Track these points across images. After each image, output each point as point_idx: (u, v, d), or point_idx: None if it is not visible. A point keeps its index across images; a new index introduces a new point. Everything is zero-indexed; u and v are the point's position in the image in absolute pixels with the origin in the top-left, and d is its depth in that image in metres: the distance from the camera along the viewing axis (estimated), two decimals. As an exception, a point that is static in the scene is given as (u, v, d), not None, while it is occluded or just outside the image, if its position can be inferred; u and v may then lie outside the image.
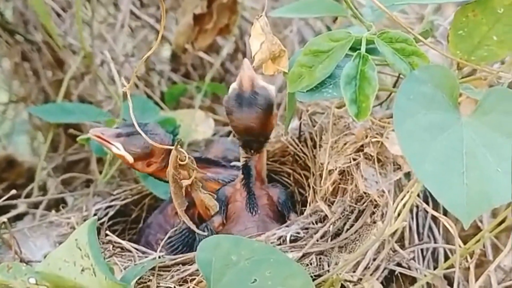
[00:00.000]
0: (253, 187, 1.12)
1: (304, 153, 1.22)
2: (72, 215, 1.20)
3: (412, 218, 1.13)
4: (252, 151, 1.12)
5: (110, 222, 1.26)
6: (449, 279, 1.06)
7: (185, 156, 0.99)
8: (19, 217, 1.35)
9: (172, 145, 1.04)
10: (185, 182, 1.02)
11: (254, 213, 1.10)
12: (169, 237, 1.09)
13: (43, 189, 1.60)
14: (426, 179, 0.81)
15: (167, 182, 1.07)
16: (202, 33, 1.54)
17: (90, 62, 1.52)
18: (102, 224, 1.23)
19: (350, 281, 0.98)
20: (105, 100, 1.63)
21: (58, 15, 1.69)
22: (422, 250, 1.12)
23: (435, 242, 1.14)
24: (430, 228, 1.15)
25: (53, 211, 1.25)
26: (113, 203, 1.28)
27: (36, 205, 1.41)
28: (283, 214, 1.13)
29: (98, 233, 1.14)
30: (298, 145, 1.23)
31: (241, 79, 1.06)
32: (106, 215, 1.25)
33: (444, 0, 1.05)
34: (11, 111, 1.99)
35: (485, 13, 0.92)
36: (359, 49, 0.91)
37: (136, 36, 1.82)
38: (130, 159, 1.10)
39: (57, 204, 1.41)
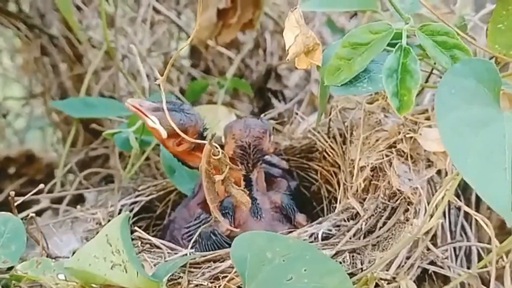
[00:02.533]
0: (254, 195, 1.11)
1: (333, 149, 1.20)
2: (98, 210, 1.19)
3: (444, 216, 1.11)
4: (250, 165, 1.11)
5: (135, 218, 1.24)
6: (482, 279, 1.04)
7: (218, 151, 0.97)
8: (39, 213, 1.34)
9: (203, 133, 1.07)
10: (218, 177, 1.00)
11: (259, 218, 1.09)
12: (188, 227, 1.08)
13: (62, 185, 1.58)
14: (468, 174, 0.79)
15: (191, 168, 1.10)
16: (226, 28, 1.53)
17: (112, 56, 1.50)
18: (128, 220, 1.20)
19: (384, 280, 0.95)
20: (126, 96, 1.61)
21: (79, 8, 1.67)
22: (455, 248, 1.10)
23: (468, 241, 1.12)
24: (462, 226, 1.13)
25: (78, 207, 1.23)
26: (138, 199, 1.27)
27: (56, 201, 1.40)
28: (290, 217, 1.11)
29: (134, 230, 1.11)
30: (326, 141, 1.21)
31: None
32: (131, 211, 1.24)
33: None
34: (28, 106, 1.98)
35: (526, 6, 0.90)
36: (396, 44, 0.89)
37: (157, 30, 1.80)
38: (164, 133, 1.08)
39: (76, 200, 1.39)
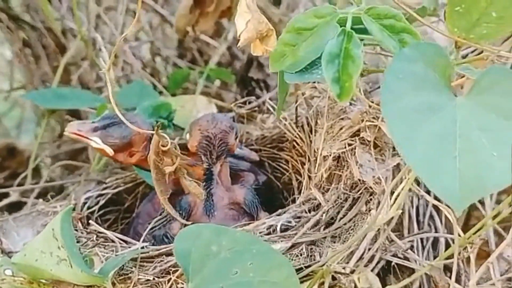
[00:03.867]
0: (213, 190, 1.08)
1: (301, 139, 1.17)
2: (59, 204, 1.16)
3: (412, 207, 1.08)
4: (213, 158, 1.09)
5: (102, 211, 1.22)
6: (450, 270, 1.01)
7: (167, 141, 0.94)
8: (19, 206, 1.32)
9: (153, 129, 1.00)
10: (168, 169, 0.98)
11: (210, 216, 1.07)
12: (153, 227, 1.05)
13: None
14: (416, 164, 0.76)
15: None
16: (203, 16, 1.50)
17: (87, 46, 1.48)
18: (92, 213, 1.18)
19: (341, 273, 0.93)
20: (105, 86, 1.59)
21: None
22: (422, 240, 1.07)
23: (436, 231, 1.08)
24: (431, 217, 1.10)
25: (41, 200, 1.21)
26: (104, 191, 1.24)
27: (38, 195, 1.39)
28: (251, 214, 1.09)
29: (88, 223, 1.09)
30: (295, 131, 1.18)
31: None
32: (97, 203, 1.21)
33: None
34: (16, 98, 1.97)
35: (484, -13, 0.86)
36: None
37: (140, 20, 1.78)
38: (110, 151, 1.08)
39: (59, 193, 1.37)
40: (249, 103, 1.34)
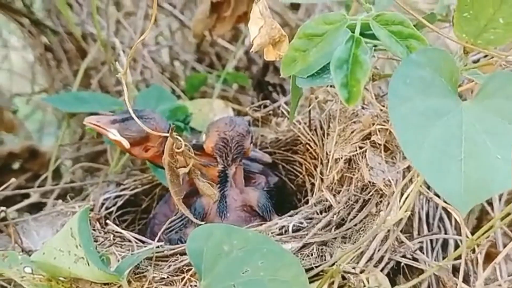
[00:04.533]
0: (227, 192, 1.11)
1: (314, 142, 1.19)
2: (78, 204, 1.19)
3: (422, 208, 1.10)
4: (229, 160, 1.11)
5: (120, 212, 1.25)
6: (459, 271, 1.03)
7: (181, 143, 0.97)
8: (39, 207, 1.36)
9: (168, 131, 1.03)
10: (182, 170, 1.00)
11: (223, 217, 1.09)
12: (168, 227, 1.08)
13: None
14: (422, 167, 0.78)
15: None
16: (220, 21, 1.52)
17: (106, 51, 1.51)
18: (110, 214, 1.21)
19: (351, 273, 0.95)
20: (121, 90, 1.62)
21: (80, 4, 1.69)
22: (431, 241, 1.09)
23: (445, 233, 1.10)
24: (441, 219, 1.12)
25: (60, 201, 1.24)
26: (122, 192, 1.27)
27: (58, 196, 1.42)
28: (263, 217, 1.11)
29: (106, 223, 1.12)
30: (308, 134, 1.21)
31: None
32: (114, 204, 1.24)
33: None
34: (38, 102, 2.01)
35: (491, -6, 0.88)
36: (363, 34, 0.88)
37: (158, 25, 1.82)
38: (126, 144, 1.11)
39: (79, 195, 1.41)
40: (265, 106, 1.36)
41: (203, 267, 0.87)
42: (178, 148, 0.97)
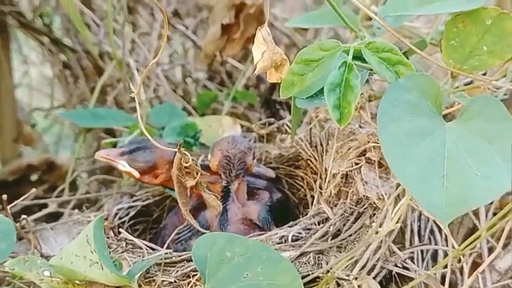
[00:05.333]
0: (228, 206, 1.19)
1: (315, 158, 1.27)
2: (93, 214, 1.27)
3: (414, 221, 1.17)
4: (232, 176, 1.20)
5: (132, 222, 1.32)
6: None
7: (189, 158, 1.05)
8: (56, 216, 1.44)
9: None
10: (190, 183, 1.08)
11: (224, 229, 1.17)
12: (177, 234, 1.16)
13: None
14: (407, 182, 0.86)
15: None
16: (230, 42, 1.60)
17: (121, 69, 1.59)
18: (123, 223, 1.29)
19: (344, 279, 1.02)
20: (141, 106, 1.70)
21: (97, 24, 1.77)
22: (422, 252, 1.16)
23: (435, 244, 1.17)
24: (432, 231, 1.19)
25: (76, 210, 1.32)
26: (134, 203, 1.35)
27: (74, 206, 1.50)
28: (263, 229, 1.18)
29: (119, 232, 1.20)
30: (309, 150, 1.28)
31: None
32: (127, 214, 1.32)
33: (442, 11, 1.06)
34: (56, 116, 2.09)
35: (475, 24, 0.96)
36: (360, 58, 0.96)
37: (172, 44, 1.90)
38: (136, 174, 1.21)
39: (94, 205, 1.49)
40: (270, 124, 1.43)
41: (207, 272, 0.94)
42: (186, 163, 1.05)
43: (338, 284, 1.04)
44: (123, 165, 1.20)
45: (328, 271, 1.03)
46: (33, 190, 1.19)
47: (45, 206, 1.48)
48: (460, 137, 0.89)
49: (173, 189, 1.13)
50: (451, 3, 0.99)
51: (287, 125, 1.38)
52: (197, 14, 1.91)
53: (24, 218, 1.11)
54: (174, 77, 1.89)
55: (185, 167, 1.06)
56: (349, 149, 1.16)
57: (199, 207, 1.18)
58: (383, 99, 0.90)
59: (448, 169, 0.86)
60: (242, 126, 1.58)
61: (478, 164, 0.86)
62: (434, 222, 1.19)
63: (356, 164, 1.14)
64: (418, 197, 0.86)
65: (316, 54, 0.95)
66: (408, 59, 0.96)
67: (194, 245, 0.97)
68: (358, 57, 0.96)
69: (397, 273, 1.11)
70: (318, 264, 1.06)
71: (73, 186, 1.69)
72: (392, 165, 0.86)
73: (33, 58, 2.19)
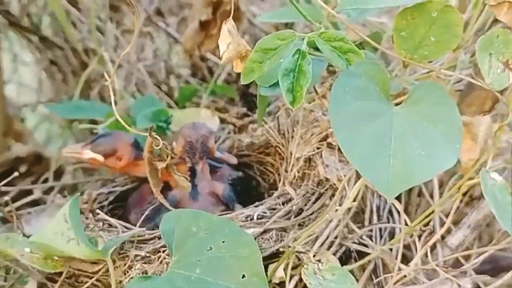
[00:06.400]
0: (197, 182, 1.29)
1: (283, 144, 1.35)
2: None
3: (374, 202, 1.25)
4: (196, 158, 1.29)
5: (111, 206, 1.40)
6: (403, 255, 1.18)
7: (159, 142, 1.13)
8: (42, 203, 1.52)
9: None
10: (160, 165, 1.16)
11: (195, 199, 1.27)
12: (147, 214, 1.24)
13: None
14: (355, 161, 0.94)
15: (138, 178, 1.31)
16: (208, 38, 1.67)
17: (102, 64, 1.67)
18: (102, 207, 1.37)
19: (303, 253, 1.10)
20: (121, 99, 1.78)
21: (82, 22, 1.85)
22: (380, 230, 1.23)
23: (393, 223, 1.25)
24: (390, 210, 1.26)
25: (58, 195, 1.40)
26: (113, 189, 1.43)
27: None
28: (227, 206, 1.28)
29: (97, 213, 1.27)
30: (277, 137, 1.36)
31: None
32: (106, 199, 1.40)
33: (394, 4, 1.13)
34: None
35: (422, 16, 1.03)
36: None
37: (155, 42, 1.97)
38: (100, 158, 1.31)
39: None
40: (247, 116, 1.52)
41: (174, 245, 1.02)
42: (156, 146, 1.13)
43: (299, 259, 1.11)
44: (87, 153, 1.30)
45: (289, 246, 1.10)
46: (15, 174, 1.27)
47: (31, 194, 1.55)
48: (405, 120, 0.97)
49: (136, 177, 1.28)
50: (402, -3, 1.06)
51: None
52: (179, 12, 1.99)
53: (6, 201, 1.19)
54: (159, 73, 1.96)
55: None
56: (312, 135, 1.24)
57: (165, 188, 1.26)
58: (335, 85, 0.97)
59: (394, 149, 0.94)
60: (221, 120, 1.65)
61: (422, 145, 0.94)
62: (393, 203, 1.27)
63: (318, 148, 1.22)
64: (365, 175, 0.94)
65: (273, 43, 1.03)
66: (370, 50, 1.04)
67: (162, 221, 1.04)
68: (316, 47, 1.04)
69: (356, 250, 1.18)
70: (281, 240, 1.14)
71: (60, 176, 1.76)
72: (342, 146, 0.94)
73: (23, 56, 2.27)
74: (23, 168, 1.91)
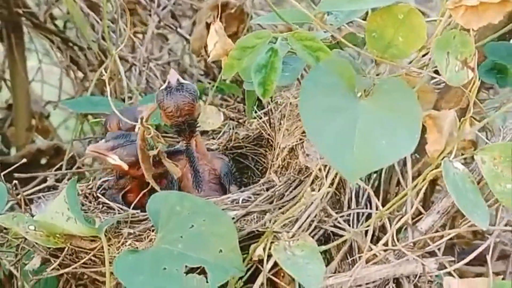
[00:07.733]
0: (198, 166, 1.36)
1: (273, 137, 1.45)
2: (83, 185, 1.46)
3: (353, 189, 1.34)
4: (187, 136, 1.35)
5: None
6: (378, 238, 1.28)
7: (150, 131, 1.24)
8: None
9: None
10: (152, 152, 1.27)
11: (200, 190, 1.35)
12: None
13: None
14: (323, 149, 1.03)
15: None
16: (213, 40, 1.79)
17: (116, 65, 1.78)
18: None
19: (281, 232, 1.19)
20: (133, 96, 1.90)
21: (99, 24, 1.98)
22: (358, 215, 1.32)
23: (370, 209, 1.34)
24: (368, 197, 1.35)
25: (67, 181, 1.52)
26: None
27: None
28: (225, 186, 1.37)
29: (98, 197, 1.39)
30: (268, 130, 1.47)
31: (168, 79, 1.31)
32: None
33: (366, 7, 1.22)
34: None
35: (390, 18, 1.13)
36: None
37: (169, 43, 2.10)
38: (125, 166, 1.34)
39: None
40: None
41: (159, 223, 1.14)
42: (148, 134, 1.24)
43: (277, 238, 1.21)
44: (114, 158, 1.33)
45: (268, 227, 1.20)
46: (23, 160, 1.39)
47: (45, 181, 1.68)
48: (370, 112, 1.05)
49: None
50: (373, 0, 1.16)
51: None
52: (192, 15, 2.11)
53: (15, 183, 1.31)
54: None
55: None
56: (296, 127, 1.34)
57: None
58: (305, 80, 1.06)
59: (358, 139, 1.02)
60: (224, 114, 1.76)
61: (385, 135, 1.02)
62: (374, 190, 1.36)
63: (300, 139, 1.32)
64: (331, 161, 1.04)
65: (251, 41, 1.14)
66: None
67: (149, 201, 1.15)
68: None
69: (335, 234, 1.28)
70: (262, 222, 1.23)
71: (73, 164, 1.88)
72: (310, 136, 1.04)
73: (46, 55, 2.41)
74: (43, 160, 2.04)
